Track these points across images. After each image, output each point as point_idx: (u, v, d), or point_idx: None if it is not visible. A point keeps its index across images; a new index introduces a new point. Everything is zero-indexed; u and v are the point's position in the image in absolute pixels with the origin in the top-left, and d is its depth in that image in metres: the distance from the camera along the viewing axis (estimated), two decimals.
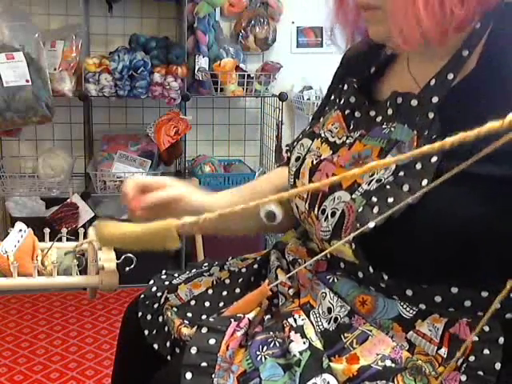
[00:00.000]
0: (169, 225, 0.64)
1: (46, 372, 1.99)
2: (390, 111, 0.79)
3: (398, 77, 0.84)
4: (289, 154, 0.93)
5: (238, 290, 0.94)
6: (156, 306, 0.97)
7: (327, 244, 0.78)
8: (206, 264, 1.04)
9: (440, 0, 0.69)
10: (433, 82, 0.75)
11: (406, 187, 0.70)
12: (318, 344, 0.75)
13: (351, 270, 0.78)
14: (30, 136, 2.68)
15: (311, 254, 0.86)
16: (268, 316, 0.84)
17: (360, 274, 0.77)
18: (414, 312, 0.74)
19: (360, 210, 0.72)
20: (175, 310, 0.93)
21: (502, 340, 0.71)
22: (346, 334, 0.75)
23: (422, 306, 0.73)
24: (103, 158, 2.60)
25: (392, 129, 0.77)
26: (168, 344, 0.92)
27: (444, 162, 0.68)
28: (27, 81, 2.21)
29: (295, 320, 0.79)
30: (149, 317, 0.96)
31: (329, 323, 0.77)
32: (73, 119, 2.72)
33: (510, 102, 0.68)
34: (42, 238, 0.90)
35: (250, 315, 0.82)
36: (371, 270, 0.75)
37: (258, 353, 0.76)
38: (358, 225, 0.71)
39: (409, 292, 0.73)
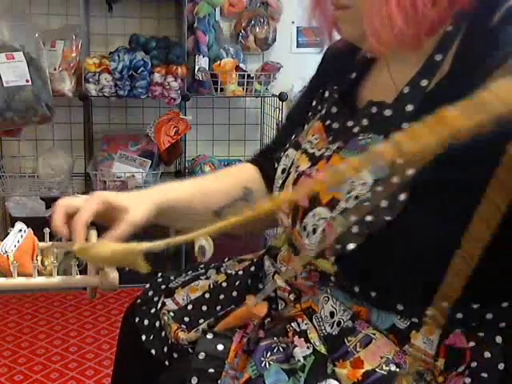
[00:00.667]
0: (131, 250, 0.66)
1: (46, 372, 1.99)
2: (365, 121, 0.77)
3: (379, 82, 0.82)
4: (276, 165, 0.91)
5: (235, 294, 0.93)
6: (153, 310, 0.96)
7: (314, 260, 0.77)
8: (202, 266, 1.03)
9: (411, 0, 0.67)
10: (406, 89, 0.73)
11: (384, 203, 0.68)
12: (322, 349, 0.75)
13: (341, 284, 0.77)
14: (30, 136, 2.68)
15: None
16: (268, 319, 0.83)
17: (350, 289, 0.76)
18: (408, 323, 0.73)
19: (339, 231, 0.70)
20: (172, 314, 0.92)
21: (500, 339, 0.71)
22: (349, 338, 0.75)
23: (415, 320, 0.72)
24: (103, 158, 2.60)
25: (368, 140, 0.75)
26: (165, 349, 0.91)
27: (421, 173, 0.66)
28: (27, 81, 2.21)
29: (298, 324, 0.78)
30: (146, 322, 0.95)
31: (332, 327, 0.77)
32: (73, 119, 2.72)
33: None
34: (42, 238, 0.90)
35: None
36: (357, 289, 0.74)
37: (262, 359, 0.75)
38: (338, 246, 0.70)
39: (399, 307, 0.72)
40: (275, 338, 0.78)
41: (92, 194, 0.84)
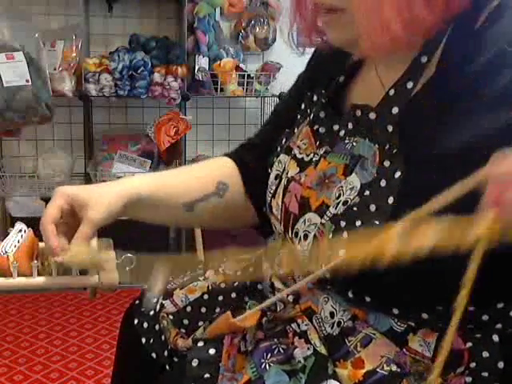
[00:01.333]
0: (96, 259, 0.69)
1: (46, 372, 1.99)
2: (350, 125, 0.76)
3: (367, 84, 0.81)
4: (269, 170, 0.89)
5: (233, 295, 0.92)
6: (152, 312, 0.95)
7: (308, 265, 0.77)
8: (201, 266, 1.02)
9: (407, 3, 0.65)
10: (392, 91, 0.72)
11: (372, 207, 0.67)
12: (323, 349, 0.74)
13: (336, 289, 0.77)
14: (30, 136, 2.68)
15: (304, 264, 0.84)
16: (265, 318, 0.83)
17: (344, 294, 0.76)
18: (405, 326, 0.72)
19: (330, 237, 0.70)
20: (171, 317, 0.91)
21: (497, 338, 0.70)
22: (349, 338, 0.74)
23: (411, 323, 0.72)
24: (103, 158, 2.60)
25: (354, 143, 0.74)
26: (166, 353, 0.91)
27: (408, 175, 0.66)
28: (27, 81, 2.21)
29: (298, 325, 0.78)
30: (145, 324, 0.94)
31: (332, 328, 0.76)
32: (73, 119, 2.72)
33: (471, 114, 0.65)
34: (42, 238, 0.90)
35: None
36: (350, 294, 0.73)
37: (262, 360, 0.75)
38: (329, 253, 0.70)
39: (395, 311, 0.72)
40: (275, 339, 0.77)
41: (56, 190, 0.82)
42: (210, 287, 0.94)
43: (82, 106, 2.58)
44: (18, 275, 0.80)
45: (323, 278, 0.76)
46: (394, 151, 0.68)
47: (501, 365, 0.70)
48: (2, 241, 0.85)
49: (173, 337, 0.88)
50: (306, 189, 0.78)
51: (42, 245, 0.90)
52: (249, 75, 2.60)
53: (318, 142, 0.81)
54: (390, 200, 0.66)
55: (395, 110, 0.70)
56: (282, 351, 0.76)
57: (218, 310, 0.91)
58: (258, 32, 2.74)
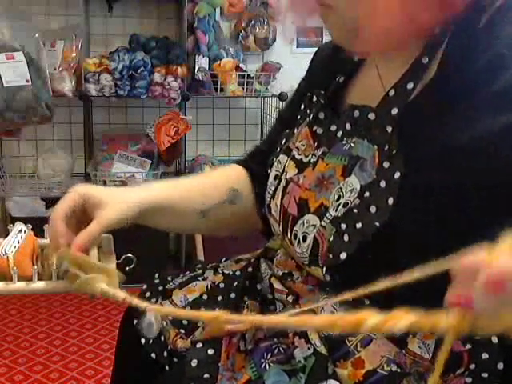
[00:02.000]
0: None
1: (46, 372, 1.99)
2: (348, 126, 0.75)
3: (367, 85, 0.80)
4: (269, 171, 0.89)
5: (233, 295, 0.92)
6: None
7: (307, 268, 0.77)
8: (200, 266, 1.02)
9: (406, 5, 0.64)
10: (392, 92, 0.72)
11: (373, 208, 0.67)
12: (323, 349, 0.74)
13: (335, 292, 0.76)
14: (30, 136, 2.68)
15: (300, 268, 0.83)
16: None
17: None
18: None
19: (331, 240, 0.70)
20: (170, 318, 0.91)
21: (495, 339, 0.70)
22: (349, 338, 0.74)
23: None
24: (103, 158, 2.60)
25: (352, 144, 0.73)
26: (165, 354, 0.91)
27: (407, 176, 0.66)
28: (27, 81, 2.21)
29: None
30: None
31: None
32: (73, 119, 2.72)
33: (471, 114, 0.65)
34: (42, 236, 0.90)
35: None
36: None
37: (262, 360, 0.75)
38: (330, 255, 0.70)
39: None
40: (275, 339, 0.78)
41: (74, 187, 0.81)
42: (208, 287, 0.94)
43: (82, 106, 2.58)
44: (18, 278, 0.80)
45: (322, 281, 0.76)
46: (394, 152, 0.68)
47: (500, 366, 0.70)
48: (2, 241, 0.85)
49: (172, 337, 0.88)
50: (305, 190, 0.77)
51: (41, 241, 0.89)
52: (249, 75, 2.60)
53: (316, 143, 0.81)
54: (390, 201, 0.66)
55: (395, 111, 0.70)
56: (282, 351, 0.76)
57: (217, 310, 0.91)
58: (258, 32, 2.74)
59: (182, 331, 0.89)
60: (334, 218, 0.71)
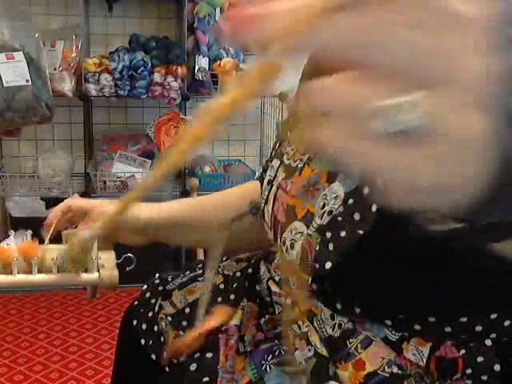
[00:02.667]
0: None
1: (46, 372, 1.99)
2: None
3: None
4: (263, 175, 0.89)
5: (232, 297, 0.91)
6: (150, 314, 0.95)
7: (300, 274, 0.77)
8: (200, 266, 1.02)
9: None
10: None
11: (357, 216, 0.66)
12: (324, 351, 0.74)
13: (323, 301, 0.75)
14: (30, 136, 2.69)
15: (296, 274, 0.83)
16: (263, 319, 0.82)
17: (332, 305, 0.75)
18: (399, 335, 0.71)
19: (317, 249, 0.69)
20: (170, 319, 0.91)
21: (489, 342, 0.70)
22: (350, 340, 0.74)
23: (405, 334, 0.71)
24: (103, 158, 2.60)
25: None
26: (165, 355, 0.91)
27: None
28: (27, 81, 2.21)
29: (299, 327, 0.78)
30: (144, 326, 0.94)
31: (333, 329, 0.76)
32: (73, 119, 2.72)
33: None
34: (42, 239, 0.90)
35: (234, 321, 0.82)
36: (339, 306, 0.72)
37: (262, 362, 0.75)
38: (316, 265, 0.69)
39: (387, 322, 0.71)
40: (276, 341, 0.78)
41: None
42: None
43: (82, 106, 2.58)
44: (18, 272, 0.80)
45: (310, 290, 0.75)
46: None
47: (497, 367, 0.69)
48: (2, 241, 0.85)
49: (172, 339, 0.88)
50: (292, 197, 0.77)
51: (43, 246, 0.90)
52: None
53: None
54: (374, 208, 0.65)
55: None
56: (282, 353, 0.76)
57: (217, 309, 0.91)
58: None
59: (182, 332, 0.89)
60: (320, 227, 0.70)
